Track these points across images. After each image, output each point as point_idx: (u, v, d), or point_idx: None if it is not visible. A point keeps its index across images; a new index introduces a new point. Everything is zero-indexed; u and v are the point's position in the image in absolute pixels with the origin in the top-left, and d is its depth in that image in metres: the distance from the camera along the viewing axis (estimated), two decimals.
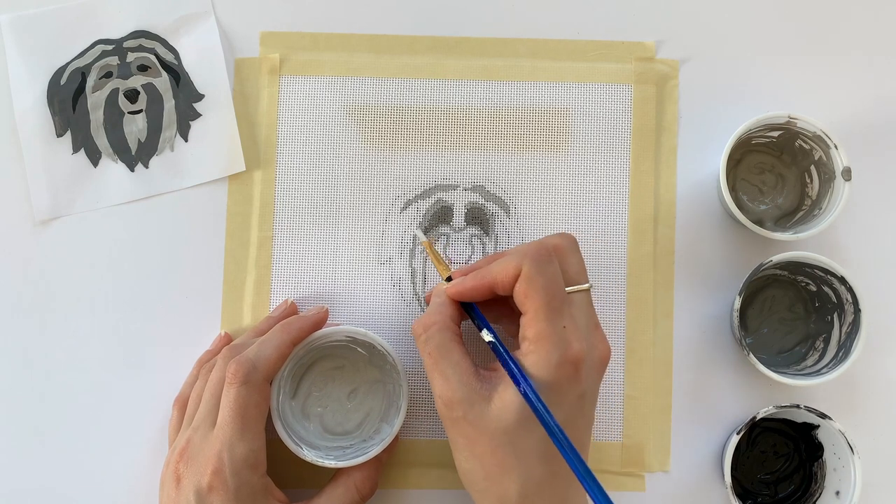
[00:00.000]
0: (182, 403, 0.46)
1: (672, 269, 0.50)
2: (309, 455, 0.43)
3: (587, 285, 0.41)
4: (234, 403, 0.41)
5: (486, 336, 0.41)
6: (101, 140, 0.51)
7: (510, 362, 0.39)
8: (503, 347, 0.40)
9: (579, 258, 0.42)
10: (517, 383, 0.38)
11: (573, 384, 0.39)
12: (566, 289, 0.41)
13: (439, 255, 0.48)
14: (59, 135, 0.50)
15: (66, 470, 0.48)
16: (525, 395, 0.38)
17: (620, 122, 0.51)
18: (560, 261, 0.41)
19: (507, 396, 0.39)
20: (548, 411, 0.38)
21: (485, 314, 0.43)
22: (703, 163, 0.51)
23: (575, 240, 0.43)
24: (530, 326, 0.39)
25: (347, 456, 0.44)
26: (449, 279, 0.45)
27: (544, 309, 0.39)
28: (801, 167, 0.50)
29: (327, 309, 0.47)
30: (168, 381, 0.48)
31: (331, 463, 0.43)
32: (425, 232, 0.50)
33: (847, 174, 0.47)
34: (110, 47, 0.51)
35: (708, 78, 0.52)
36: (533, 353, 0.39)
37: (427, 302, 0.48)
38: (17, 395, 0.49)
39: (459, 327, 0.42)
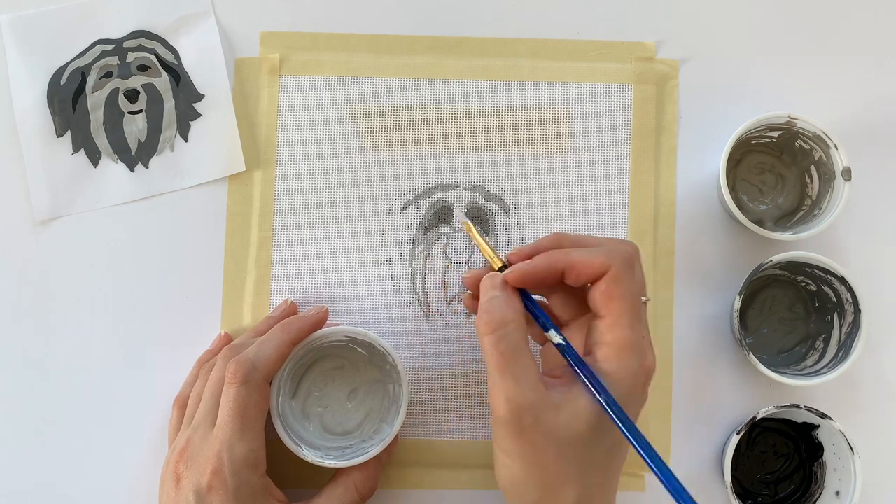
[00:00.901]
0: (182, 403, 0.46)
1: (672, 269, 0.50)
2: (309, 455, 0.43)
3: (648, 298, 0.40)
4: (233, 403, 0.41)
5: (556, 338, 0.38)
6: (101, 140, 0.51)
7: (587, 370, 0.37)
8: (573, 352, 0.38)
9: (642, 268, 0.40)
10: (598, 392, 0.36)
11: (642, 396, 0.38)
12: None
13: (488, 241, 0.45)
14: (59, 135, 0.50)
15: (66, 470, 0.48)
16: (606, 405, 0.36)
17: (620, 122, 0.51)
18: None
19: (579, 405, 0.37)
20: (629, 420, 0.36)
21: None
22: (703, 163, 0.51)
23: (639, 249, 0.40)
24: (611, 331, 0.37)
25: (347, 456, 0.44)
26: (502, 269, 0.40)
27: (629, 316, 0.37)
28: (801, 167, 0.50)
29: (327, 309, 0.47)
30: (168, 381, 0.48)
31: (330, 463, 0.43)
32: (425, 233, 0.50)
33: (847, 174, 0.47)
34: (110, 47, 0.51)
35: (708, 78, 0.51)
36: (613, 361, 0.37)
37: (470, 286, 0.41)
38: (17, 395, 0.49)
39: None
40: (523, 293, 0.40)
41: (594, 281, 0.38)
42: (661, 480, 0.35)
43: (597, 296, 0.38)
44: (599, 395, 0.36)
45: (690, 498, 0.35)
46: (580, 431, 0.36)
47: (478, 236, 0.43)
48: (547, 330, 0.39)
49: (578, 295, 0.40)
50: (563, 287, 0.41)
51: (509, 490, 0.39)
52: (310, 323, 0.45)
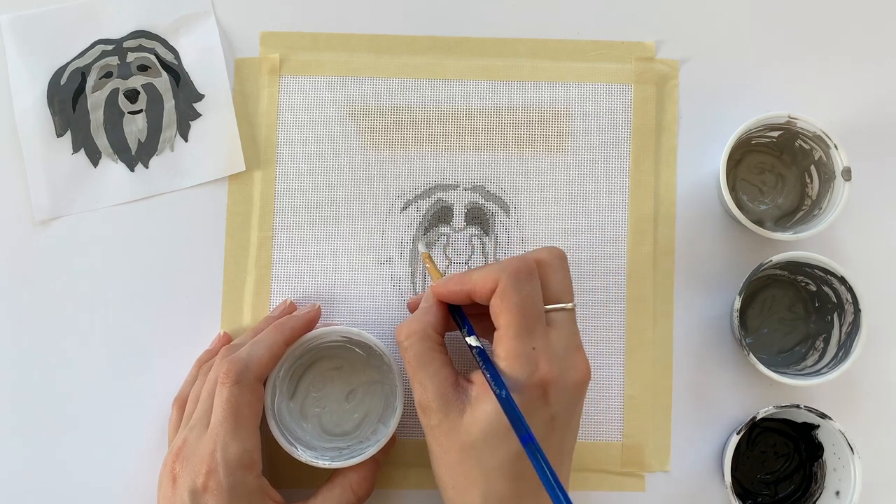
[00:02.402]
0: (181, 403, 0.46)
1: (672, 269, 0.50)
2: (304, 455, 0.43)
3: (570, 305, 0.40)
4: (226, 403, 0.41)
5: (470, 340, 0.41)
6: (101, 140, 0.51)
7: (490, 366, 0.38)
8: (483, 353, 0.39)
9: (564, 275, 0.41)
10: (499, 387, 0.37)
11: (540, 407, 0.38)
12: (546, 307, 0.40)
13: (436, 267, 0.47)
14: (59, 135, 0.50)
15: (66, 469, 0.48)
16: (502, 400, 0.37)
17: (620, 122, 0.51)
18: (543, 277, 0.40)
19: (478, 411, 0.38)
20: (522, 419, 0.37)
21: (473, 325, 0.42)
22: (703, 163, 0.51)
23: (563, 255, 0.42)
24: (500, 343, 0.39)
25: (343, 456, 0.44)
26: None
27: (514, 327, 0.38)
28: (801, 167, 0.50)
29: (319, 307, 0.47)
30: (168, 381, 0.48)
31: (325, 463, 0.43)
32: (425, 233, 0.50)
33: (847, 174, 0.47)
34: (110, 47, 0.51)
35: (708, 78, 0.51)
36: (503, 371, 0.38)
37: (409, 308, 0.48)
38: (16, 395, 0.49)
39: (442, 336, 0.42)
40: (455, 308, 0.42)
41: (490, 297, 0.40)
42: (540, 476, 0.35)
43: (492, 311, 0.40)
44: (497, 389, 0.38)
45: (567, 498, 0.35)
46: (478, 436, 0.38)
47: (431, 265, 0.46)
48: (467, 335, 0.41)
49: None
50: (484, 316, 0.42)
51: (438, 485, 0.41)
52: (302, 322, 0.45)
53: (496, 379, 0.38)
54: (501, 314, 0.39)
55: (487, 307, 0.40)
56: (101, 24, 0.51)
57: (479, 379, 0.39)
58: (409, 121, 0.51)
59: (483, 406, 0.38)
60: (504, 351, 0.38)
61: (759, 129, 0.48)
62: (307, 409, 0.47)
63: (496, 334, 0.39)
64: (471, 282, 0.40)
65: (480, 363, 0.39)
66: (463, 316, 0.42)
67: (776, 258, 0.46)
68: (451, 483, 0.40)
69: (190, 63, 0.51)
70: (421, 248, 0.48)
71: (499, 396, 0.37)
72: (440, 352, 0.41)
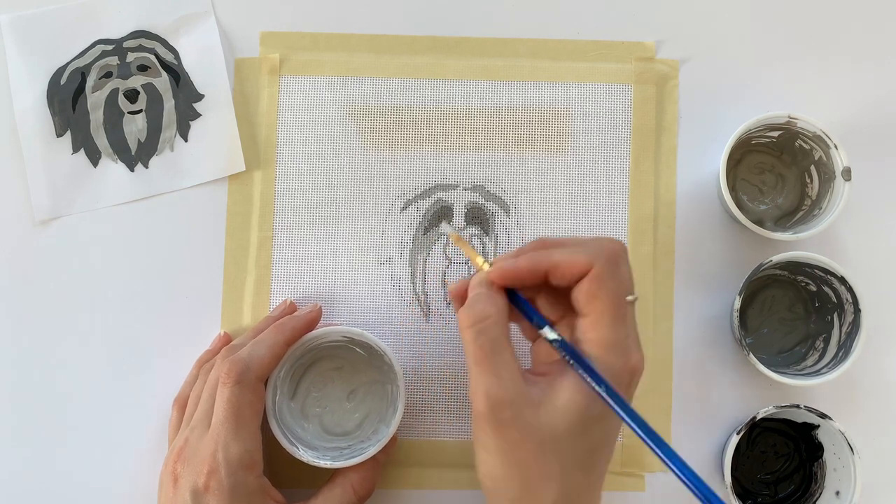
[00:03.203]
0: (182, 403, 0.46)
1: (672, 270, 0.50)
2: (305, 455, 0.43)
3: (635, 296, 0.39)
4: (227, 403, 0.41)
5: (550, 334, 0.38)
6: (101, 140, 0.51)
7: (584, 361, 0.37)
8: (572, 349, 0.37)
9: (630, 267, 0.39)
10: (598, 383, 0.36)
11: (626, 396, 0.37)
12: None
13: (472, 246, 0.45)
14: (59, 135, 0.50)
15: (66, 470, 0.48)
16: (606, 395, 0.36)
17: (620, 122, 0.51)
18: None
19: (560, 402, 0.36)
20: (629, 407, 0.35)
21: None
22: (703, 163, 0.51)
23: (626, 247, 0.40)
24: (593, 330, 0.37)
25: (344, 456, 0.44)
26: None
27: (610, 315, 0.37)
28: (801, 167, 0.50)
29: (320, 307, 0.47)
30: (168, 381, 0.48)
31: (327, 463, 0.43)
32: (425, 233, 0.50)
33: (847, 174, 0.47)
34: (110, 47, 0.51)
35: (708, 78, 0.51)
36: (594, 360, 0.37)
37: (455, 297, 0.41)
38: (16, 395, 0.49)
39: (509, 324, 0.39)
40: (514, 293, 0.39)
41: (578, 280, 0.38)
42: (669, 467, 0.34)
43: (580, 295, 0.37)
44: (599, 385, 0.36)
45: (705, 485, 0.34)
46: (560, 429, 0.36)
47: (467, 246, 0.42)
48: (541, 327, 0.38)
49: (564, 296, 0.40)
50: (548, 288, 0.40)
51: (489, 487, 0.38)
52: (303, 322, 0.45)
53: (593, 375, 0.36)
54: (597, 300, 0.37)
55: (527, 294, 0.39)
56: (101, 24, 0.51)
57: (548, 370, 0.38)
58: (409, 121, 0.51)
59: (567, 397, 0.36)
60: (599, 338, 0.37)
61: (759, 129, 0.48)
62: (308, 409, 0.47)
63: (585, 321, 0.37)
64: (552, 261, 0.38)
65: (569, 359, 0.37)
66: (528, 305, 0.39)
67: (776, 258, 0.46)
68: (518, 481, 0.36)
69: (190, 63, 0.51)
70: (447, 228, 0.47)
71: (603, 393, 0.36)
72: (510, 340, 0.38)
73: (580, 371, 0.37)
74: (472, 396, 0.37)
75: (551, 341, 0.38)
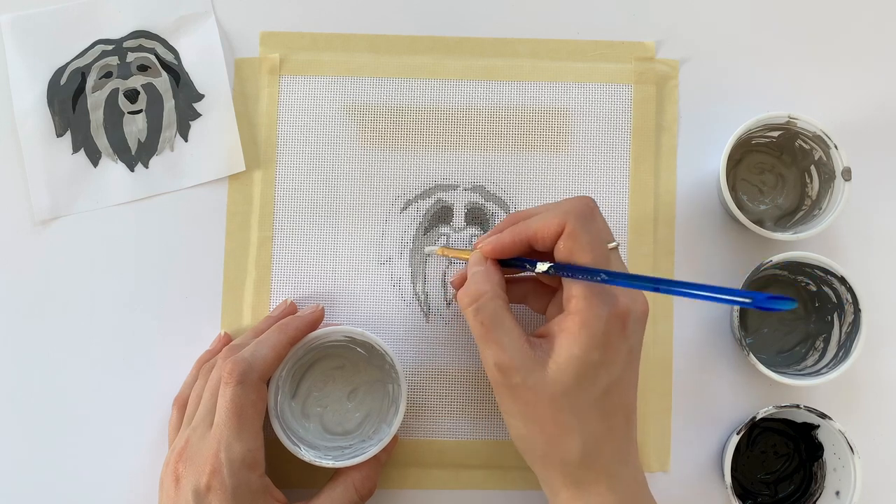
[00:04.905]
0: (182, 403, 0.46)
1: (672, 269, 0.50)
2: (307, 455, 0.43)
3: (616, 243, 0.41)
4: (230, 403, 0.41)
5: (542, 266, 0.40)
6: (101, 140, 0.51)
7: (577, 266, 0.38)
8: (563, 264, 0.39)
9: (603, 218, 0.42)
10: (594, 275, 0.38)
11: (622, 339, 0.39)
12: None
13: (456, 248, 0.48)
14: (59, 135, 0.50)
15: (66, 470, 0.48)
16: (609, 280, 0.37)
17: (620, 122, 0.51)
18: None
19: (561, 358, 0.38)
20: (630, 273, 0.38)
21: (509, 294, 0.42)
22: (703, 163, 0.51)
23: (595, 202, 0.42)
24: (575, 285, 0.39)
25: (346, 456, 0.44)
26: None
27: (591, 264, 0.39)
28: (801, 167, 0.50)
29: (323, 308, 0.47)
30: (168, 381, 0.48)
31: (328, 463, 0.43)
32: (425, 233, 0.50)
33: (847, 174, 0.47)
34: (110, 47, 0.51)
35: (708, 78, 0.52)
36: (583, 311, 0.38)
37: (458, 287, 0.43)
38: (16, 395, 0.49)
39: (506, 295, 0.41)
40: (505, 262, 0.42)
41: (556, 241, 0.40)
42: (694, 296, 0.36)
43: (559, 255, 0.39)
44: (596, 276, 0.38)
45: (737, 290, 0.35)
46: (568, 382, 0.38)
47: (454, 251, 0.45)
48: (533, 266, 0.40)
49: (549, 287, 0.43)
50: (537, 284, 0.43)
51: (520, 447, 0.41)
52: (306, 322, 0.45)
53: (588, 272, 0.38)
54: (574, 255, 0.39)
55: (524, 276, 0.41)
56: (100, 24, 0.51)
57: (547, 332, 0.40)
58: (409, 121, 0.51)
59: (567, 351, 0.38)
60: (584, 289, 0.38)
61: (759, 129, 0.48)
62: (309, 409, 0.47)
63: (569, 279, 0.39)
64: (530, 229, 0.40)
65: (567, 274, 0.39)
66: (517, 258, 0.42)
67: (776, 258, 0.46)
68: (542, 438, 0.39)
69: (190, 63, 0.51)
70: (431, 249, 0.49)
71: (605, 278, 0.37)
72: (510, 311, 0.40)
73: (578, 277, 0.38)
74: (486, 369, 0.40)
75: (545, 271, 0.40)
